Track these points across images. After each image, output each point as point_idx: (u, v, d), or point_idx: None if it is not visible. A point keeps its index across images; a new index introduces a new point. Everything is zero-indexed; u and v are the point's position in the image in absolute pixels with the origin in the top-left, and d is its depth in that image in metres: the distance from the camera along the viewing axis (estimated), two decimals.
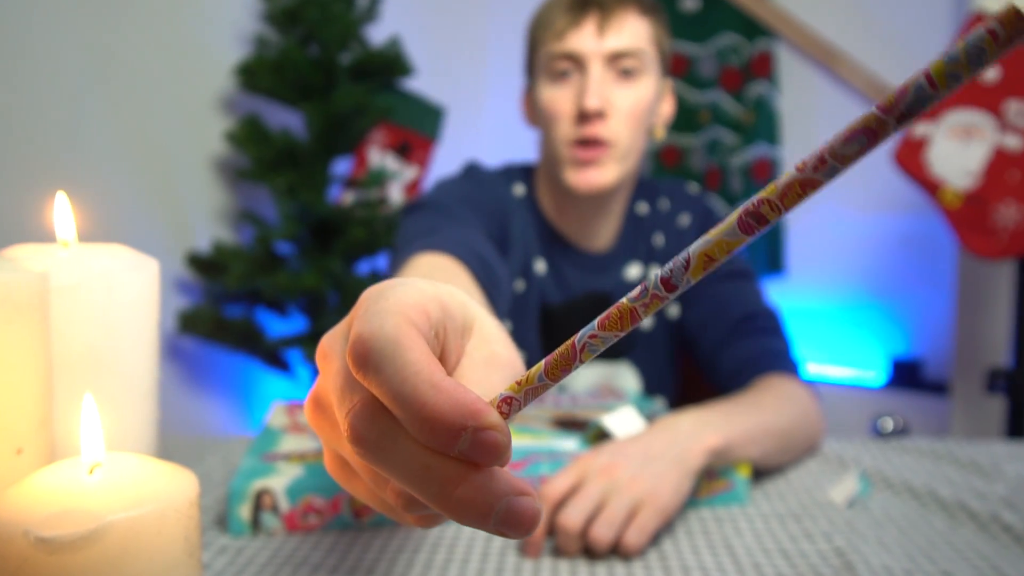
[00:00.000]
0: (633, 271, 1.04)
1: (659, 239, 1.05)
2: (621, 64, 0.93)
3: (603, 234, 1.04)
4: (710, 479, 0.72)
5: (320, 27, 1.93)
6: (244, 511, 0.65)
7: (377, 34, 2.12)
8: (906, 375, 2.23)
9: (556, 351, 0.26)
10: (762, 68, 2.40)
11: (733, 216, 0.23)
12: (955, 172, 1.60)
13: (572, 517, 0.61)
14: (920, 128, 1.63)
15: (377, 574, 0.58)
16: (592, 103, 0.90)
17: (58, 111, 1.80)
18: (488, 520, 0.25)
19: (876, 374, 2.29)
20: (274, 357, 2.04)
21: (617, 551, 0.62)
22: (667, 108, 1.03)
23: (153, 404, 0.47)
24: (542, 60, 0.96)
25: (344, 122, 1.96)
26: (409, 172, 2.27)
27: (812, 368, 2.25)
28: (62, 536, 0.31)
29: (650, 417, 0.86)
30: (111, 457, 0.36)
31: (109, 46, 1.88)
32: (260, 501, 0.66)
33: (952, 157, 1.60)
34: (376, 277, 2.06)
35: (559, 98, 0.94)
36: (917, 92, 0.19)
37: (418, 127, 2.25)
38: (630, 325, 0.25)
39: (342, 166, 2.21)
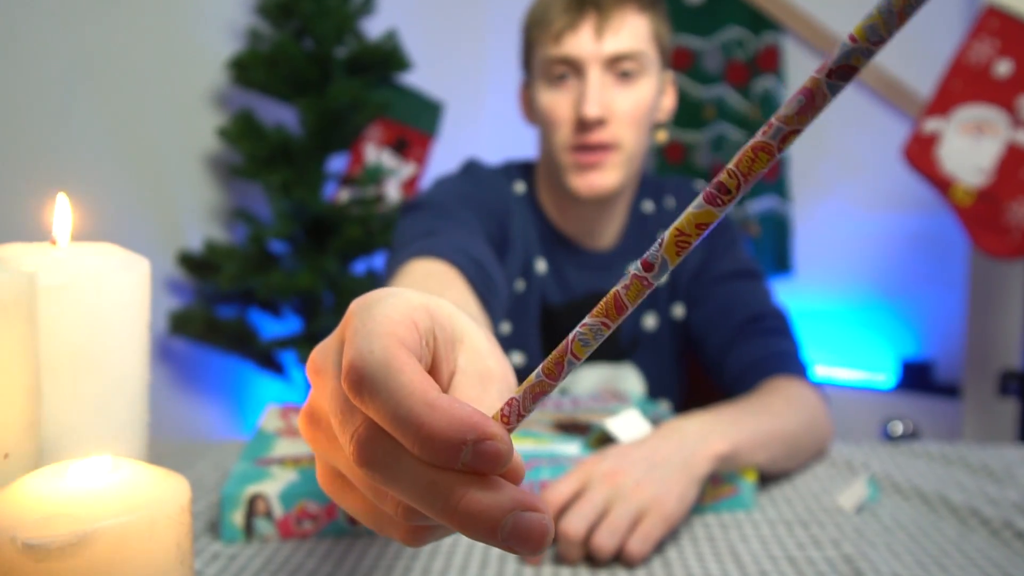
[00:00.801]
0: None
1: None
2: (620, 67, 0.92)
3: (606, 233, 1.04)
4: (715, 484, 0.72)
5: (315, 20, 1.93)
6: (237, 517, 0.65)
7: (373, 27, 2.12)
8: (916, 377, 2.23)
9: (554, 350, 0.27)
10: (769, 62, 2.40)
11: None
12: (967, 169, 1.60)
13: (574, 524, 0.61)
14: (931, 124, 1.63)
15: None
16: (592, 111, 0.90)
17: (45, 106, 1.80)
18: (496, 535, 0.26)
19: (886, 376, 2.29)
20: (268, 359, 2.04)
21: (620, 559, 0.62)
22: (668, 102, 1.03)
23: (144, 407, 0.47)
24: (539, 63, 0.95)
25: (340, 118, 1.96)
26: (406, 169, 2.27)
27: (820, 370, 2.25)
28: (50, 542, 0.31)
29: (654, 420, 0.86)
30: (101, 461, 0.36)
31: (98, 39, 1.88)
32: (253, 507, 0.66)
33: (964, 153, 1.60)
34: (373, 277, 2.06)
35: (558, 104, 0.94)
36: (842, 49, 0.21)
37: (416, 123, 2.25)
38: (616, 313, 0.26)
39: (338, 163, 2.21)
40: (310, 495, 0.66)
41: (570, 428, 0.83)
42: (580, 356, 0.27)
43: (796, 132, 0.22)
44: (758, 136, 0.22)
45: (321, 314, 2.00)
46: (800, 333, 0.99)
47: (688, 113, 2.54)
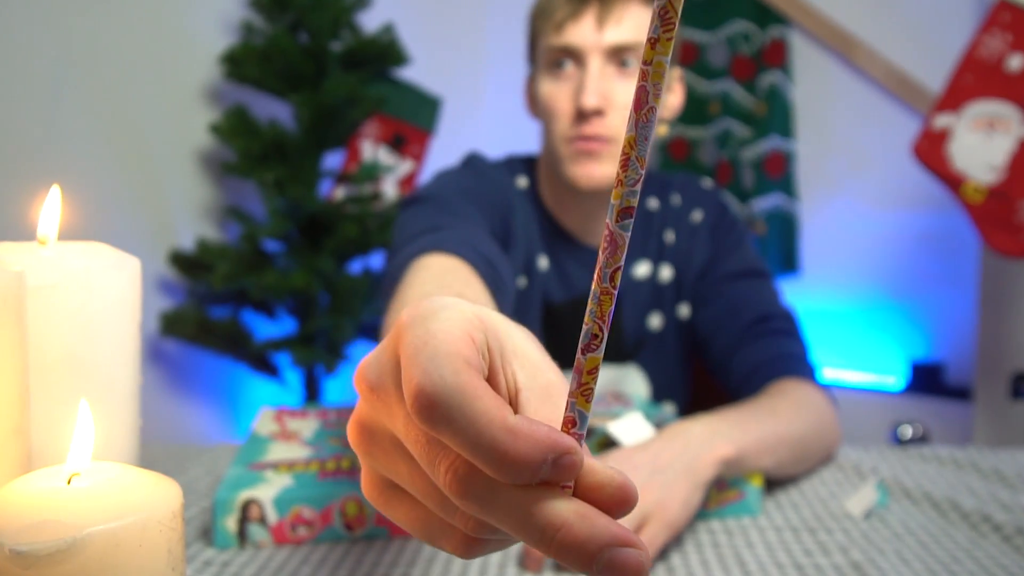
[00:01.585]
0: (642, 269, 1.04)
1: (670, 236, 1.05)
2: (622, 57, 0.92)
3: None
4: (720, 489, 0.72)
5: (310, 13, 1.93)
6: (230, 523, 0.65)
7: (370, 21, 2.12)
8: (926, 380, 2.23)
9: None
10: (775, 57, 2.40)
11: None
12: (978, 166, 1.60)
13: None
14: (941, 119, 1.63)
15: None
16: (590, 101, 0.90)
17: (32, 102, 1.80)
18: (591, 568, 0.26)
19: (895, 379, 2.29)
20: (261, 361, 2.04)
21: None
22: (675, 99, 1.03)
23: (135, 410, 0.47)
24: (541, 53, 0.96)
25: (335, 113, 1.96)
26: (404, 166, 2.27)
27: (828, 372, 2.25)
28: (39, 548, 0.31)
29: (658, 424, 0.85)
30: (91, 465, 0.36)
31: (86, 32, 1.88)
32: (247, 512, 0.66)
33: (975, 150, 1.60)
34: (369, 277, 2.06)
35: (558, 94, 0.95)
36: (658, 13, 0.23)
37: (413, 119, 2.25)
38: (602, 282, 0.26)
39: (333, 160, 2.21)
40: (305, 500, 0.66)
41: None
42: (594, 347, 0.27)
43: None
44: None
45: (316, 315, 2.00)
46: (808, 334, 0.99)
47: (693, 109, 2.54)
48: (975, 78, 1.59)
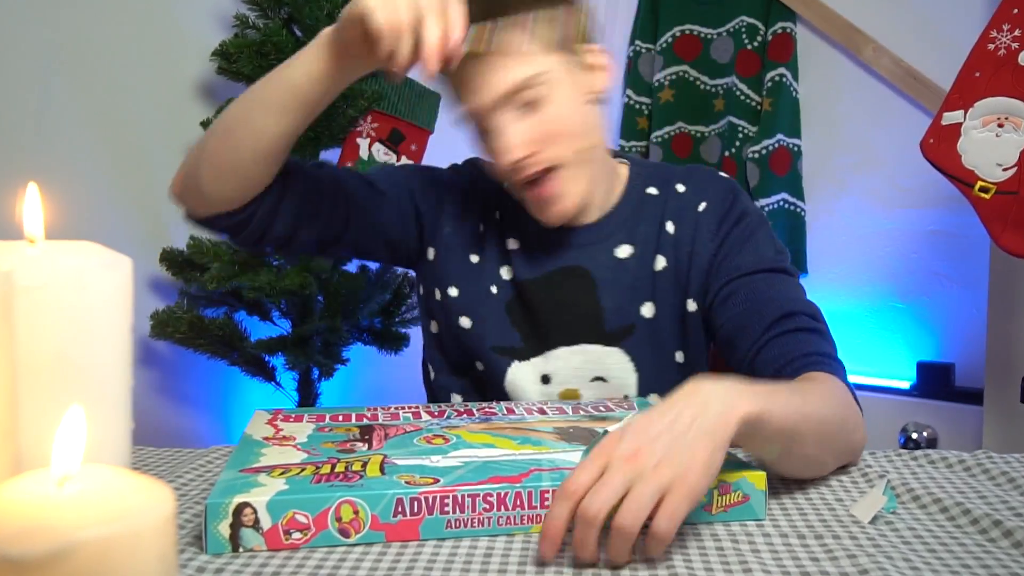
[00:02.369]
0: (623, 251, 1.05)
1: (671, 226, 1.05)
2: (519, 99, 0.92)
3: (586, 213, 1.05)
4: (724, 492, 0.72)
5: (304, 7, 1.94)
6: (223, 528, 0.66)
7: None
8: (936, 382, 2.23)
9: None
10: (781, 52, 2.40)
11: None
12: (988, 163, 1.60)
13: (593, 508, 0.60)
14: (951, 116, 1.63)
15: None
16: (509, 159, 0.93)
17: (23, 96, 1.80)
18: None
19: (904, 381, 2.29)
20: (256, 362, 2.04)
21: (643, 544, 0.61)
22: (599, 80, 1.00)
23: (126, 412, 0.47)
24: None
25: (331, 110, 1.96)
26: (401, 164, 2.27)
27: None
28: (29, 554, 0.31)
29: None
30: (82, 469, 0.36)
31: (76, 27, 1.88)
32: (240, 517, 0.66)
33: (985, 147, 1.60)
34: (365, 276, 2.06)
35: (487, 153, 0.98)
36: None
37: (411, 116, 2.25)
38: None
39: (329, 157, 2.21)
40: (300, 505, 0.66)
41: (572, 435, 0.83)
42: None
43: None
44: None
45: (311, 316, 2.00)
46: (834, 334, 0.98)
47: (697, 105, 2.54)
48: (985, 74, 1.59)
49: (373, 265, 2.16)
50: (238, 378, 2.15)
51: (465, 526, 0.68)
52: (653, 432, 0.65)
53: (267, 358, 2.05)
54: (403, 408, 0.95)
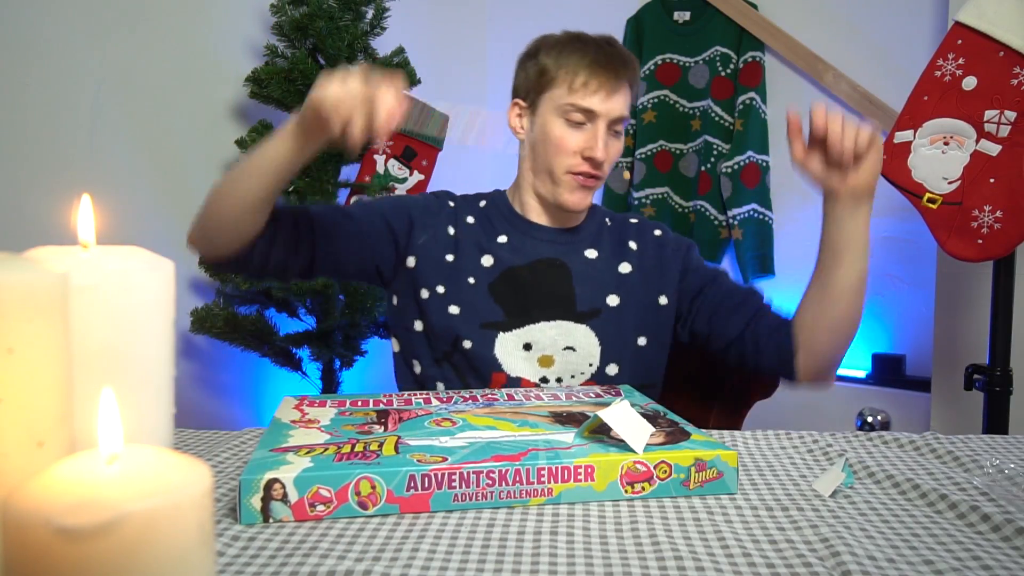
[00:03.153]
0: (591, 253, 1.18)
1: (633, 244, 1.20)
2: (615, 126, 1.11)
3: (570, 221, 1.20)
4: (700, 469, 0.72)
5: (328, 38, 1.93)
6: (255, 501, 0.65)
7: (382, 45, 2.12)
8: (889, 371, 2.23)
9: None
10: (751, 78, 2.40)
11: None
12: (935, 177, 1.60)
13: (835, 120, 0.94)
14: (902, 135, 1.63)
15: (383, 560, 0.58)
16: (600, 155, 1.09)
17: (77, 117, 1.80)
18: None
19: (860, 371, 2.29)
20: (284, 354, 2.04)
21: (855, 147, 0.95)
22: (624, 142, 1.20)
23: (169, 399, 0.47)
24: (556, 101, 1.10)
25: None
26: (413, 178, 2.27)
27: None
28: (82, 525, 0.31)
29: (644, 412, 0.86)
30: (129, 449, 0.36)
31: (126, 56, 1.88)
32: (270, 491, 0.66)
33: (933, 163, 1.60)
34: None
35: (571, 138, 1.10)
36: None
37: (422, 135, 2.25)
38: None
39: (349, 172, 2.21)
40: (323, 480, 0.66)
41: (565, 419, 0.83)
42: None
43: None
44: None
45: (333, 313, 2.00)
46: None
47: (676, 126, 2.54)
48: (932, 97, 1.59)
49: None
50: (268, 368, 2.15)
51: (470, 499, 0.68)
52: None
53: (294, 350, 2.04)
54: (415, 395, 0.95)
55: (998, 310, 1.65)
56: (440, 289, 1.13)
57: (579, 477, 0.70)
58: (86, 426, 0.42)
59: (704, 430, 0.84)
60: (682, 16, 2.51)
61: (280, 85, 1.92)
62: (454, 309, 1.12)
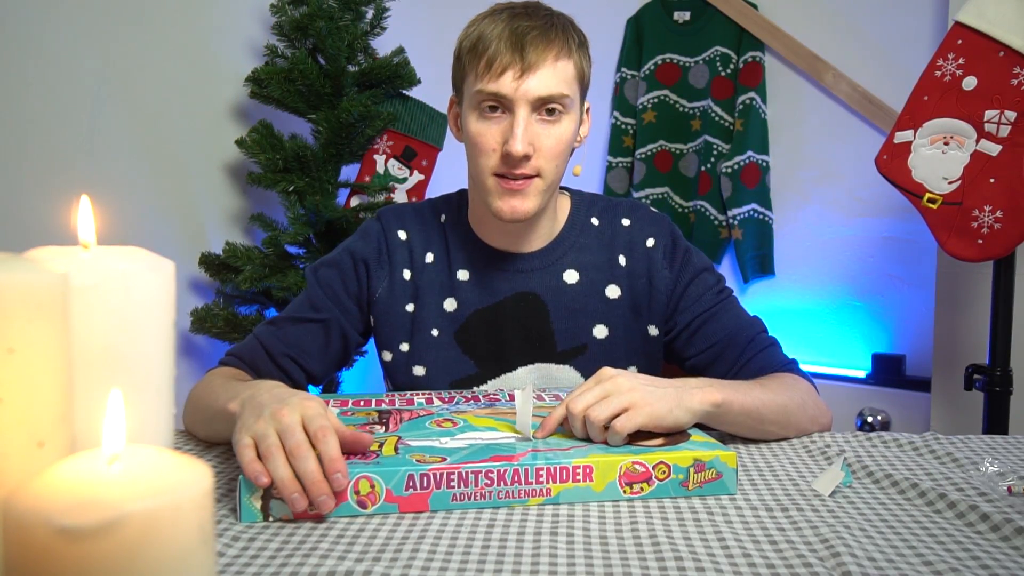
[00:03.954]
0: (570, 276, 1.03)
1: (623, 259, 1.04)
2: (546, 106, 0.91)
3: (534, 240, 1.03)
4: (699, 470, 0.73)
5: (328, 38, 1.93)
6: (255, 500, 0.66)
7: (382, 45, 2.12)
8: (889, 371, 2.23)
9: None
10: (751, 78, 2.40)
11: None
12: (935, 177, 1.60)
13: (578, 403, 0.75)
14: (902, 135, 1.63)
15: (383, 561, 0.58)
16: (518, 149, 0.89)
17: (77, 118, 1.80)
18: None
19: (860, 371, 2.29)
20: None
21: (608, 433, 0.74)
22: (585, 129, 1.01)
23: (169, 399, 0.47)
24: (470, 91, 0.93)
25: (351, 130, 1.96)
26: (413, 178, 2.27)
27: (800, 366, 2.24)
28: (82, 525, 0.31)
29: None
30: (129, 449, 0.36)
31: (126, 55, 1.88)
32: (270, 490, 0.66)
33: (933, 163, 1.60)
34: None
35: (487, 133, 0.92)
36: None
37: (422, 135, 2.25)
38: None
39: (349, 172, 2.21)
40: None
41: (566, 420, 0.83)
42: None
43: None
44: None
45: None
46: (780, 331, 1.03)
47: (676, 126, 2.53)
48: (932, 98, 1.59)
49: None
50: None
51: (469, 499, 0.68)
52: (640, 378, 0.77)
53: None
54: (417, 394, 0.95)
55: (998, 310, 1.65)
56: (404, 347, 1.03)
57: (577, 477, 0.70)
58: (86, 426, 0.42)
59: (703, 431, 0.85)
60: (682, 16, 2.51)
61: (280, 85, 1.92)
62: (419, 371, 1.03)
